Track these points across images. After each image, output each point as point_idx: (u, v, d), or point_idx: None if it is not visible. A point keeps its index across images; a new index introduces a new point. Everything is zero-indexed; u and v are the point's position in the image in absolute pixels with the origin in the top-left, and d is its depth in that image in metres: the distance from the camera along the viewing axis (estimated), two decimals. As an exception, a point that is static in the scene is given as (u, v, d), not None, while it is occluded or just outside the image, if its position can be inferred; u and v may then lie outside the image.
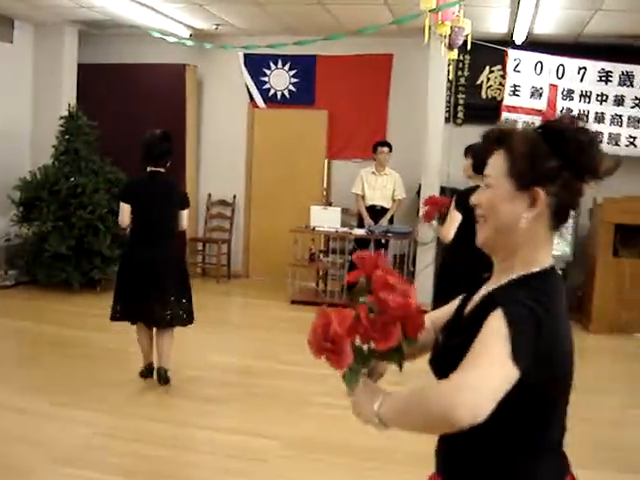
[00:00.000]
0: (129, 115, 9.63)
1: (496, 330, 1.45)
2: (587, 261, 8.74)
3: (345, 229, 8.77)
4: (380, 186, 8.96)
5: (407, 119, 9.46)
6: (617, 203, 8.27)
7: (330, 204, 9.66)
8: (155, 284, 5.29)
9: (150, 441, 4.51)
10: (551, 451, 1.69)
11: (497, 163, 1.66)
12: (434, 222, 6.16)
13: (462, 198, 4.88)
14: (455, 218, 5.14)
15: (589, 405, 5.74)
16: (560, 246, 8.70)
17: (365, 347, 1.55)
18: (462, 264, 4.11)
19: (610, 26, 8.43)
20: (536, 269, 1.63)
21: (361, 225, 8.97)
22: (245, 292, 9.62)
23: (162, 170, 5.49)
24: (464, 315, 1.74)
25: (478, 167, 4.86)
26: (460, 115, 9.62)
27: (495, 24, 8.65)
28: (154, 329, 5.53)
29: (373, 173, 8.98)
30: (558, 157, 1.58)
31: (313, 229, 8.80)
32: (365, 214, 8.94)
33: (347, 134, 9.83)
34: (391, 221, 9.07)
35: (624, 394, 6.12)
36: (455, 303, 1.88)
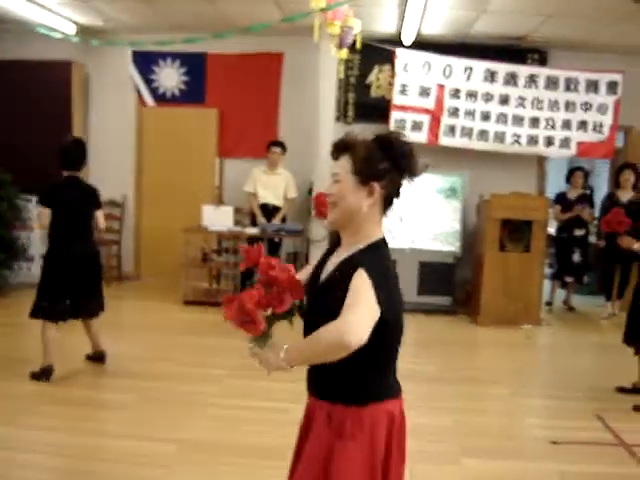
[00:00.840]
0: (11, 113, 9.31)
1: (363, 282, 2.07)
2: (475, 256, 8.93)
3: (238, 228, 8.69)
4: (272, 185, 8.93)
5: (298, 117, 9.46)
6: (503, 199, 8.50)
7: (222, 203, 9.56)
8: (86, 278, 5.76)
9: (45, 451, 4.31)
10: (392, 373, 2.37)
11: (344, 164, 2.26)
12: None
13: None
14: None
15: (478, 395, 5.88)
16: (450, 242, 8.90)
17: (269, 313, 2.14)
18: None
19: (495, 27, 8.66)
20: (375, 240, 2.28)
21: (254, 224, 8.91)
22: (137, 294, 9.40)
23: (78, 174, 5.80)
24: (324, 278, 2.33)
25: None
26: (350, 114, 9.70)
27: (384, 24, 8.76)
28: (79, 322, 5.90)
29: (265, 172, 8.94)
30: (388, 161, 2.21)
31: (205, 229, 8.68)
32: (258, 212, 8.89)
33: (239, 132, 9.75)
34: (284, 220, 9.05)
35: (512, 384, 6.25)
36: (309, 268, 2.58)
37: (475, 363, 7.14)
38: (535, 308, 8.53)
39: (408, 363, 6.96)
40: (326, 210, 5.92)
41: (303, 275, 2.52)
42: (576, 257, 9.37)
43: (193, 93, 9.84)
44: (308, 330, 2.17)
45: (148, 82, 9.92)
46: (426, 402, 5.60)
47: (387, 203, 2.28)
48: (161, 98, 9.94)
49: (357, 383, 2.25)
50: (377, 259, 2.20)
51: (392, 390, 2.36)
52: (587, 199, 9.47)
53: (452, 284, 9.05)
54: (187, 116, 9.73)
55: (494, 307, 8.42)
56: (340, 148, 2.29)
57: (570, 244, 9.35)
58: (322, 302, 2.21)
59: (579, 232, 9.36)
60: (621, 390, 5.92)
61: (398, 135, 2.24)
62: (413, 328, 8.40)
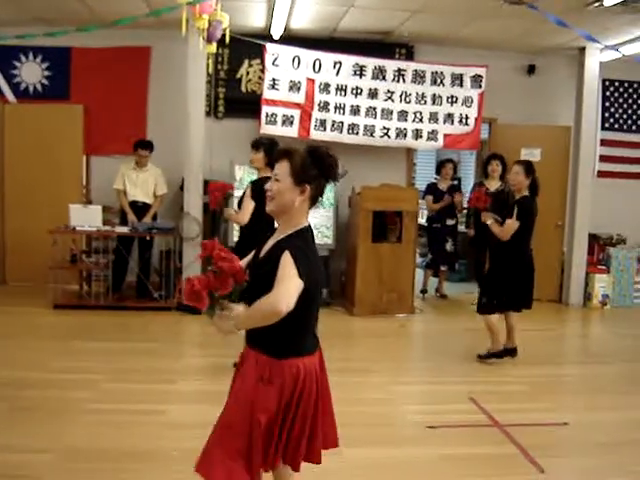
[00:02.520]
0: None
1: (288, 262, 2.64)
2: (349, 248, 9.02)
3: (107, 227, 8.44)
4: (141, 182, 8.73)
5: (168, 113, 9.27)
6: (374, 191, 8.63)
7: (90, 202, 9.26)
8: None
9: None
10: (311, 331, 3.00)
11: (283, 167, 2.85)
12: (232, 208, 6.74)
13: (257, 186, 5.66)
14: (251, 205, 5.77)
15: (356, 385, 5.93)
16: (323, 234, 8.95)
17: (216, 294, 2.72)
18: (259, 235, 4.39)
19: (363, 22, 8.77)
20: (301, 227, 2.88)
21: (124, 222, 8.69)
22: (3, 300, 8.96)
23: None
24: (261, 256, 2.93)
25: (271, 164, 4.98)
26: (221, 109, 9.60)
27: (253, 18, 8.71)
28: None
29: (134, 169, 8.72)
30: (318, 169, 2.83)
31: (73, 229, 8.38)
32: (128, 210, 8.67)
33: (106, 129, 9.45)
34: (155, 217, 8.86)
35: (388, 372, 6.35)
36: (252, 254, 3.15)
37: (351, 354, 7.20)
38: (408, 297, 8.71)
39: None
40: (218, 196, 6.25)
41: (245, 260, 3.16)
42: (449, 246, 9.66)
43: (57, 89, 9.48)
44: (252, 296, 2.70)
45: (8, 77, 9.48)
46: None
47: (313, 200, 2.90)
48: (23, 94, 9.52)
49: (282, 340, 2.81)
50: (301, 242, 2.80)
51: (311, 346, 3.00)
52: (456, 189, 9.79)
53: (327, 276, 9.10)
54: (51, 113, 9.35)
55: (368, 298, 8.54)
56: (282, 154, 2.90)
57: (443, 234, 9.62)
58: (260, 275, 2.81)
59: (450, 222, 9.68)
60: (480, 357, 6.72)
61: (326, 149, 2.88)
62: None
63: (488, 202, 6.84)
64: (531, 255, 6.52)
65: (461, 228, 10.38)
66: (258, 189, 5.49)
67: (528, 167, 6.42)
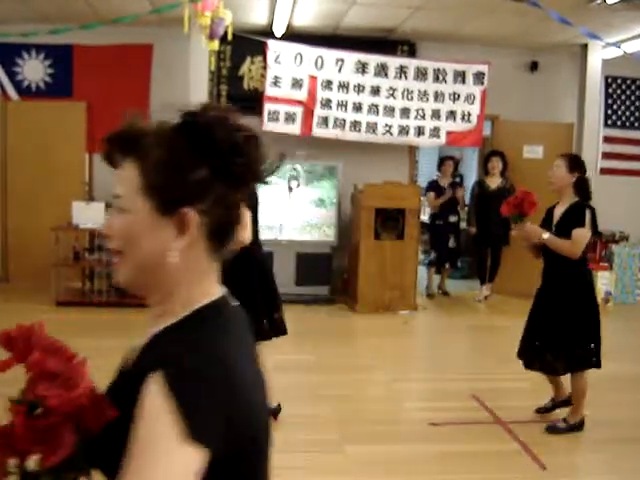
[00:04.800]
0: None
1: (157, 411, 1.06)
2: (351, 245, 9.03)
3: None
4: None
5: (170, 110, 9.26)
6: (377, 188, 8.64)
7: (93, 199, 9.26)
8: None
9: None
10: None
11: (128, 177, 1.24)
12: None
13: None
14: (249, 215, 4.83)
15: (358, 383, 5.94)
16: (326, 232, 8.96)
17: (32, 463, 1.07)
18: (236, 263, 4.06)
19: (365, 19, 8.76)
20: (201, 306, 1.25)
21: (127, 220, 8.69)
22: (6, 297, 8.96)
23: None
24: (117, 375, 1.32)
25: None
26: (223, 106, 9.59)
27: (255, 15, 8.70)
28: None
29: (137, 166, 8.72)
30: (207, 164, 1.20)
31: (76, 226, 8.40)
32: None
33: (108, 126, 9.09)
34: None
35: (390, 369, 6.37)
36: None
37: (354, 351, 7.21)
38: (411, 294, 8.71)
39: (288, 354, 6.98)
40: None
41: None
42: (451, 243, 9.62)
43: (60, 86, 9.48)
44: (108, 460, 1.16)
45: (11, 75, 9.48)
46: (306, 392, 5.61)
47: (218, 236, 1.26)
48: (26, 92, 9.52)
49: None
50: (202, 345, 1.17)
51: None
52: (458, 186, 9.81)
53: (330, 274, 9.12)
54: (54, 110, 9.35)
55: (371, 295, 8.55)
56: (119, 146, 1.30)
57: (446, 231, 9.59)
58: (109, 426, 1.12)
59: (453, 218, 9.66)
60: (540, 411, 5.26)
61: (222, 115, 1.25)
62: (292, 319, 8.37)
63: (535, 204, 4.85)
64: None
65: (462, 226, 10.39)
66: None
67: (574, 161, 4.93)
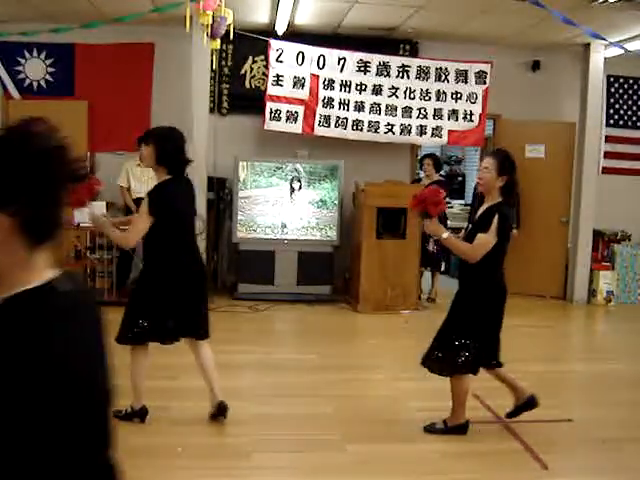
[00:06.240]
0: None
1: None
2: (353, 244, 9.02)
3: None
4: (146, 178, 8.71)
5: (171, 109, 9.23)
6: (378, 187, 8.63)
7: (94, 198, 9.25)
8: None
9: None
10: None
11: None
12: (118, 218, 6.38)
13: (157, 196, 4.55)
14: (144, 223, 4.56)
15: (359, 382, 5.94)
16: (328, 231, 8.95)
17: None
18: (161, 269, 4.64)
19: (367, 18, 8.74)
20: (21, 290, 1.39)
21: (128, 219, 8.69)
22: (7, 296, 8.99)
23: None
24: None
25: (165, 162, 4.58)
26: (225, 105, 9.58)
27: (257, 14, 8.70)
28: None
29: (139, 165, 8.71)
30: (13, 173, 1.36)
31: (77, 225, 8.37)
32: (133, 206, 8.68)
33: (110, 125, 9.45)
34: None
35: (391, 369, 6.36)
36: None
37: (356, 350, 7.21)
38: (412, 293, 8.70)
39: (289, 354, 7.01)
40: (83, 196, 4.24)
41: None
42: (431, 246, 9.16)
43: (61, 85, 9.48)
44: None
45: (12, 74, 9.49)
46: (308, 391, 5.61)
47: (35, 231, 1.42)
48: (27, 90, 9.52)
49: None
50: (12, 327, 1.33)
51: None
52: (440, 185, 9.23)
53: (331, 273, 9.11)
54: (55, 109, 9.26)
55: (372, 294, 8.54)
56: None
57: (424, 233, 8.74)
58: None
59: None
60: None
61: (30, 129, 1.46)
62: (294, 319, 8.43)
63: (440, 204, 4.62)
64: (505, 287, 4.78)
65: (463, 225, 10.31)
66: (160, 200, 4.52)
67: (504, 162, 4.72)
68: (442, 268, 9.78)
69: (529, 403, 4.91)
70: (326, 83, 9.09)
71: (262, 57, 9.36)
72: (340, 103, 9.14)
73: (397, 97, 9.27)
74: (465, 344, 4.62)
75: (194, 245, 4.91)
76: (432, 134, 9.40)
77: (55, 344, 1.38)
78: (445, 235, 4.62)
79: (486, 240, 4.50)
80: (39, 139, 1.43)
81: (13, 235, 1.37)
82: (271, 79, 8.97)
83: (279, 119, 8.97)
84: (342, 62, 9.11)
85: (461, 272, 4.88)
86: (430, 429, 4.86)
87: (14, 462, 1.31)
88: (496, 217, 4.49)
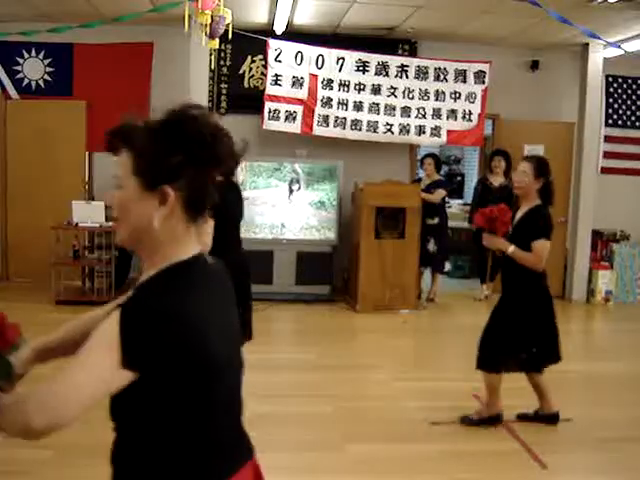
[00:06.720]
0: None
1: (104, 331, 1.48)
2: (352, 244, 9.02)
3: (110, 224, 8.43)
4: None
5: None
6: (377, 187, 8.63)
7: (93, 198, 9.25)
8: None
9: None
10: (221, 442, 1.69)
11: (124, 162, 1.61)
12: None
13: None
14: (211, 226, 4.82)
15: (359, 381, 5.94)
16: (327, 230, 8.95)
17: None
18: None
19: (366, 18, 8.74)
20: (173, 263, 1.62)
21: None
22: (5, 296, 8.94)
23: None
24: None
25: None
26: (223, 105, 9.58)
27: (256, 14, 8.69)
28: None
29: (137, 164, 8.72)
30: (181, 152, 1.56)
31: (76, 225, 8.40)
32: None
33: (108, 125, 9.09)
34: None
35: (391, 368, 6.36)
36: None
37: (355, 350, 7.21)
38: (411, 293, 8.70)
39: (289, 353, 7.01)
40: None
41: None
42: (431, 246, 9.11)
43: (60, 85, 9.47)
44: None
45: (11, 74, 9.47)
46: (307, 391, 5.61)
47: (192, 208, 1.62)
48: (25, 90, 9.51)
49: (163, 468, 1.59)
50: (163, 292, 1.56)
51: (230, 466, 1.70)
52: (439, 185, 9.24)
53: (330, 272, 9.11)
54: (54, 109, 9.34)
55: (371, 294, 8.53)
56: (117, 138, 1.65)
57: (424, 233, 8.95)
58: None
59: (431, 221, 9.07)
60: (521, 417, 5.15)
61: (195, 114, 1.61)
62: (293, 319, 8.44)
63: (508, 224, 4.82)
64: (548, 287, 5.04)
65: (462, 225, 10.34)
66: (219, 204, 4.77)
67: (541, 166, 4.80)
68: (445, 268, 9.72)
69: (551, 418, 5.03)
70: (325, 83, 9.10)
71: (261, 57, 9.35)
72: (339, 103, 9.14)
73: (396, 97, 9.27)
74: (529, 349, 4.83)
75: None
76: (431, 134, 9.40)
77: (215, 306, 1.68)
78: (511, 249, 4.73)
79: (545, 245, 4.75)
80: (201, 122, 1.60)
81: (176, 209, 1.60)
82: (270, 79, 8.97)
83: (278, 119, 8.97)
84: (341, 62, 9.11)
85: (508, 277, 4.98)
86: (466, 421, 5.01)
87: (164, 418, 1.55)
88: (543, 220, 4.75)
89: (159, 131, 1.58)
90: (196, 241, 1.68)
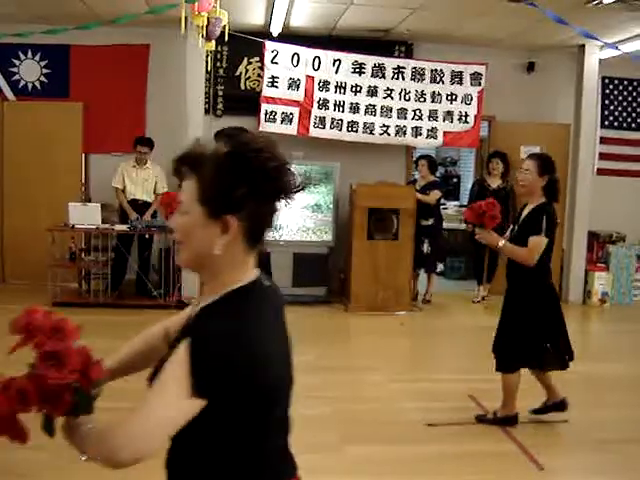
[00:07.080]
0: None
1: (176, 364, 1.52)
2: (347, 245, 9.01)
3: (106, 225, 8.43)
4: (141, 180, 8.72)
5: (166, 110, 9.25)
6: (369, 188, 8.66)
7: (89, 200, 9.24)
8: None
9: None
10: (273, 460, 1.83)
11: (189, 188, 1.65)
12: None
13: None
14: None
15: (356, 383, 5.93)
16: (323, 232, 8.94)
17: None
18: None
19: (362, 20, 8.74)
20: (235, 288, 1.67)
21: (124, 221, 8.68)
22: (1, 298, 8.90)
23: None
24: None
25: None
26: (220, 106, 9.58)
27: (252, 16, 8.69)
28: None
29: (134, 166, 8.72)
30: (245, 185, 1.59)
31: (72, 227, 8.38)
32: (128, 208, 8.67)
33: (105, 127, 9.43)
34: (154, 215, 8.84)
35: (388, 370, 6.36)
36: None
37: (351, 351, 7.21)
38: (405, 294, 8.69)
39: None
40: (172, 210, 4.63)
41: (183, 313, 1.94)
42: (425, 247, 9.13)
43: (56, 86, 9.46)
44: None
45: (7, 75, 9.46)
46: (304, 392, 5.55)
47: (253, 237, 1.68)
48: (22, 92, 9.50)
49: None
50: (228, 319, 1.60)
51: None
52: (434, 186, 9.26)
53: (327, 274, 9.11)
54: (50, 110, 9.33)
55: (364, 294, 8.55)
56: (185, 164, 1.68)
57: (418, 234, 8.96)
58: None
59: (425, 222, 9.10)
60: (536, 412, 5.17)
61: (260, 147, 1.62)
62: (290, 320, 8.35)
63: (497, 218, 4.74)
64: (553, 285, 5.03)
65: (458, 226, 10.33)
66: None
67: (544, 163, 4.80)
68: (437, 269, 9.75)
69: (559, 405, 5.05)
70: (321, 84, 9.10)
71: (257, 58, 9.35)
72: (335, 104, 9.14)
73: (392, 98, 9.28)
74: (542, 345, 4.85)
75: None
76: (427, 135, 9.41)
77: (275, 328, 1.79)
78: (501, 243, 4.74)
79: (540, 242, 4.66)
80: (265, 155, 1.61)
81: (237, 238, 1.64)
82: (266, 80, 8.97)
83: (274, 120, 8.97)
84: (337, 63, 9.12)
85: (511, 274, 4.96)
86: (481, 419, 5.06)
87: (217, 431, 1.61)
88: (544, 217, 4.67)
89: (226, 162, 1.60)
90: (254, 266, 1.75)
